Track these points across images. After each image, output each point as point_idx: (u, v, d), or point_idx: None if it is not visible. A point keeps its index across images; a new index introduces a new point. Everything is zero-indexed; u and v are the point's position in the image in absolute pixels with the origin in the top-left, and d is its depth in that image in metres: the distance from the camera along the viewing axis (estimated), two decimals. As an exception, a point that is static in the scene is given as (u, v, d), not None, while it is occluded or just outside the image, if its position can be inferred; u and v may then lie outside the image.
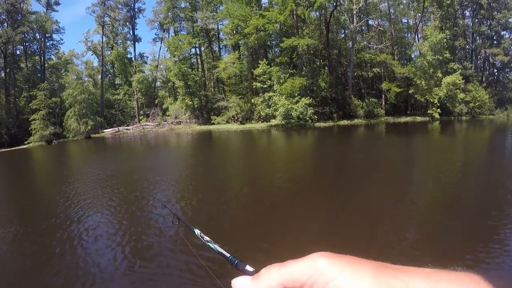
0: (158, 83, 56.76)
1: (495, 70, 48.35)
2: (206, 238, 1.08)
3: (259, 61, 38.44)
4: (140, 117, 53.05)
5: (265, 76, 37.13)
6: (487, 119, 39.16)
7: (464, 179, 10.43)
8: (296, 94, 35.26)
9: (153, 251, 6.07)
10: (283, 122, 35.15)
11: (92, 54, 56.19)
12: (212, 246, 0.98)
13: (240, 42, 43.51)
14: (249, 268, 0.67)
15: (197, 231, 1.21)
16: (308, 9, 37.65)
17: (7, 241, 7.20)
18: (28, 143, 40.03)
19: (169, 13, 48.18)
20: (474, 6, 43.25)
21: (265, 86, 37.21)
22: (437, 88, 37.36)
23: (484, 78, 45.68)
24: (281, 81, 36.09)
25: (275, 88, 36.35)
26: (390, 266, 0.44)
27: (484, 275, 0.40)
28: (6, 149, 38.15)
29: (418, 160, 14.91)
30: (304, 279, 0.45)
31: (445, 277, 0.40)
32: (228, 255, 0.80)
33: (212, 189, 11.02)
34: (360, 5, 39.52)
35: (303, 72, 38.09)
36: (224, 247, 0.87)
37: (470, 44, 45.55)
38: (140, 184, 12.29)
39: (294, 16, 39.03)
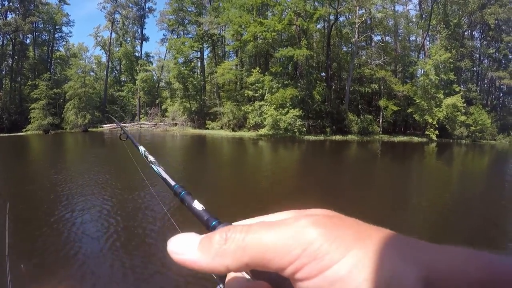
0: (162, 84, 57.11)
1: (501, 94, 46.75)
2: (151, 158, 0.84)
3: (252, 69, 38.16)
4: (141, 116, 53.38)
5: (258, 85, 36.75)
6: (488, 144, 37.62)
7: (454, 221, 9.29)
8: (288, 105, 34.82)
9: None
10: (270, 132, 34.76)
11: (100, 49, 57.07)
12: (155, 169, 0.76)
13: (243, 49, 43.28)
14: (197, 205, 0.49)
15: (141, 149, 1.00)
16: (307, 20, 37.14)
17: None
18: (26, 130, 40.96)
19: (175, 16, 48.39)
20: (483, 27, 41.89)
21: (256, 94, 36.90)
22: (436, 109, 36.28)
23: (489, 102, 44.06)
24: (273, 90, 35.75)
25: (265, 98, 36.02)
26: (409, 241, 0.30)
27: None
28: (4, 134, 39.11)
29: (400, 192, 12.87)
30: (285, 260, 0.28)
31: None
32: (173, 183, 0.61)
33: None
34: (363, 19, 38.86)
35: (299, 84, 37.60)
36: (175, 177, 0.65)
37: (477, 66, 44.15)
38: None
39: (297, 26, 38.48)
